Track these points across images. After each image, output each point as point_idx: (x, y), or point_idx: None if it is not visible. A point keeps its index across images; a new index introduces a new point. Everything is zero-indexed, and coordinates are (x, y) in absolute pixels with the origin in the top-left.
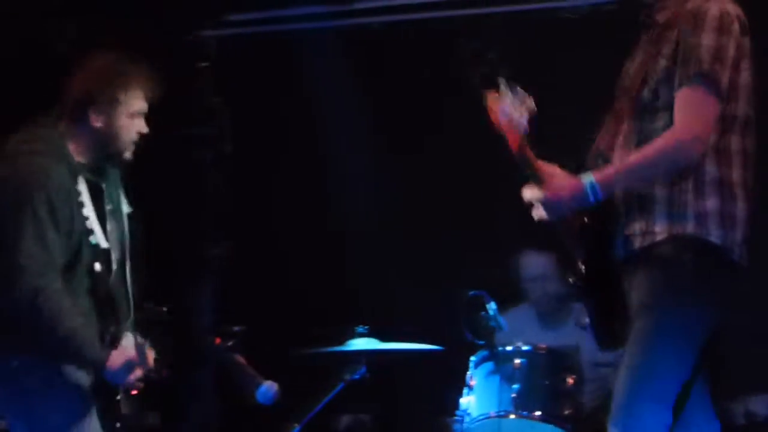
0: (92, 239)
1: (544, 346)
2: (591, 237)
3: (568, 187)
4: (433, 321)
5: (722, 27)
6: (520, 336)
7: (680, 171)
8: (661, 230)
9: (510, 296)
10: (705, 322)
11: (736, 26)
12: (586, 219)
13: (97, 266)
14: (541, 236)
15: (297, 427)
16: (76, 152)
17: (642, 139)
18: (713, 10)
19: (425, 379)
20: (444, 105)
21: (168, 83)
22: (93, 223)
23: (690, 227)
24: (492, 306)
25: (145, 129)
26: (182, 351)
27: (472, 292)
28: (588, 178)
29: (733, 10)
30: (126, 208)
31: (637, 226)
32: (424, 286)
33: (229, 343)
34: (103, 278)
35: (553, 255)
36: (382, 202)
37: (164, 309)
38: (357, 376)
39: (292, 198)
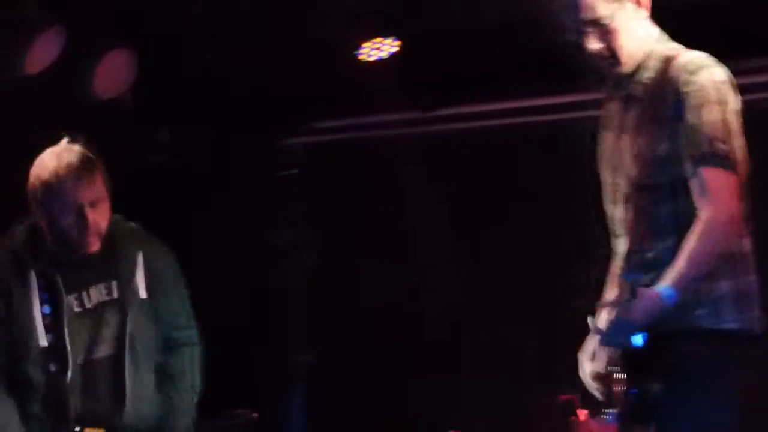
0: (39, 338)
1: None
2: None
3: (648, 302)
4: (522, 425)
5: (721, 98)
6: None
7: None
8: (677, 324)
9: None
10: (729, 416)
11: (730, 91)
12: None
13: (52, 367)
14: None
15: None
16: (40, 248)
17: (657, 224)
18: (706, 81)
19: None
20: (521, 211)
21: (254, 191)
22: (37, 321)
23: (706, 320)
24: (583, 412)
25: (81, 222)
26: None
27: (563, 397)
28: (663, 287)
29: (721, 74)
30: (142, 294)
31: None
32: (514, 390)
33: None
34: (54, 380)
35: None
36: (465, 305)
37: (255, 414)
38: None
39: (378, 303)
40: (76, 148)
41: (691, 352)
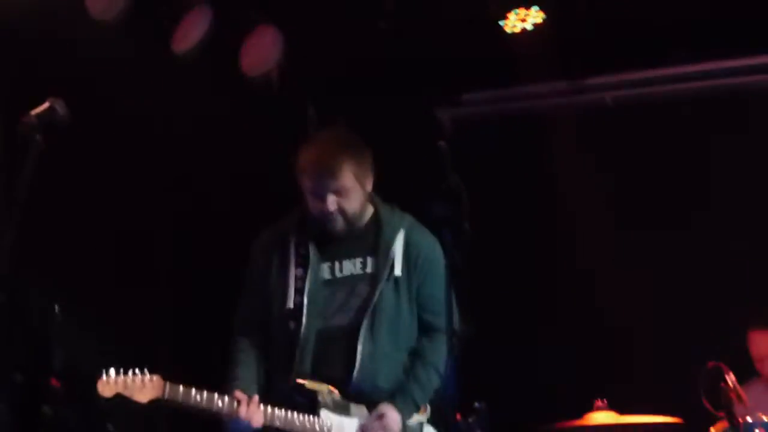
0: (287, 300)
1: None
2: None
3: None
4: (671, 392)
5: None
6: (756, 409)
7: None
8: None
9: (748, 368)
10: None
11: None
12: None
13: (291, 325)
14: None
15: None
16: (305, 221)
17: None
18: None
19: None
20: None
21: (406, 162)
22: (289, 286)
23: None
24: (731, 377)
25: (324, 207)
26: None
27: (711, 363)
28: None
29: None
30: (397, 271)
31: None
32: (662, 357)
33: (472, 419)
34: (290, 336)
35: None
36: (620, 275)
37: None
38: None
39: (533, 275)
40: (334, 138)
41: None
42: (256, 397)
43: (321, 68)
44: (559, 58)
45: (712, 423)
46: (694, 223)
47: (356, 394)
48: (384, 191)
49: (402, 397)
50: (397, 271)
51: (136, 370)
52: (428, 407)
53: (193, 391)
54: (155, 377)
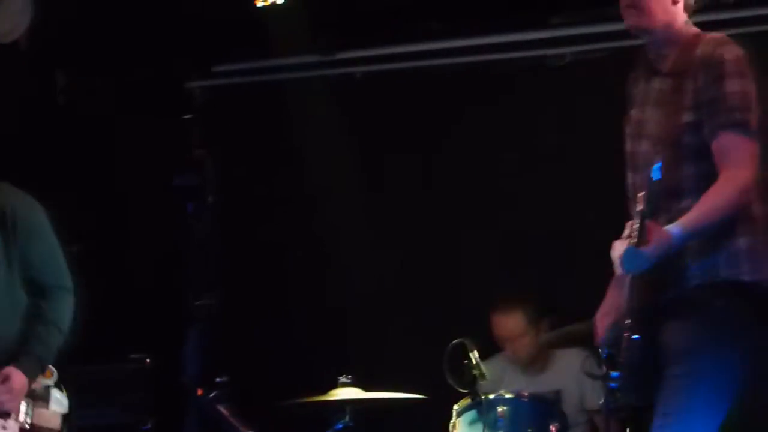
0: None
1: (526, 393)
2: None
3: (658, 237)
4: (417, 370)
5: (742, 71)
6: (502, 384)
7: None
8: (694, 276)
9: (494, 344)
10: (741, 365)
11: (748, 68)
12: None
13: None
14: (517, 290)
15: None
16: None
17: (680, 186)
18: (728, 56)
19: (409, 428)
20: (431, 154)
21: (154, 134)
22: None
23: (723, 271)
24: (474, 354)
25: None
26: (166, 401)
27: (454, 341)
28: (674, 229)
29: (742, 52)
30: None
31: (672, 275)
32: (407, 334)
33: (213, 394)
34: None
35: (525, 312)
36: (368, 251)
37: (147, 359)
38: (341, 426)
39: (280, 248)
40: None
41: (706, 301)
42: None
43: (72, 35)
44: (310, 32)
45: (456, 400)
46: (438, 199)
47: None
48: (131, 164)
49: (26, 357)
50: None
51: None
52: (54, 370)
53: None
54: None
